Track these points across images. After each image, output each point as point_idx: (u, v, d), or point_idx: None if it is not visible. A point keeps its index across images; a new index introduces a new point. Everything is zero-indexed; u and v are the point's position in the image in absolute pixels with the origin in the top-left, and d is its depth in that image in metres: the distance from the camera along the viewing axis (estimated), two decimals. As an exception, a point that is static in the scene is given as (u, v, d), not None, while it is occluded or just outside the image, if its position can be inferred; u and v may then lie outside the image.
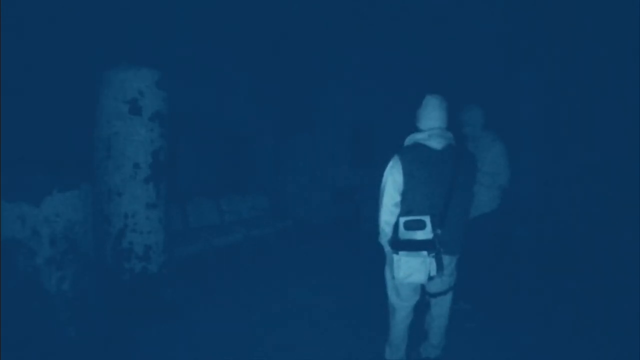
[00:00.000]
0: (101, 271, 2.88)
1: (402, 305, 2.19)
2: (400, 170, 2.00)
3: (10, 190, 2.36)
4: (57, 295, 2.46)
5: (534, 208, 4.81)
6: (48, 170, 2.84)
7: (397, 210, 2.04)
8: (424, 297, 2.28)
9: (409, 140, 2.11)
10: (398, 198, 2.03)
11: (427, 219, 1.95)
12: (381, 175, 2.11)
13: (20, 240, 2.36)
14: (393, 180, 2.02)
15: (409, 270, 1.96)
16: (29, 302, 2.38)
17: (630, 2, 3.69)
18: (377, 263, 2.41)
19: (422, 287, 2.22)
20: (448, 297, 2.25)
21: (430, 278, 1.98)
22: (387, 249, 2.13)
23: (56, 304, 2.45)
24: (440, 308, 2.25)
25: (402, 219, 1.99)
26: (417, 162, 2.00)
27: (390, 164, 2.06)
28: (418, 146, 2.04)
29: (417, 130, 2.12)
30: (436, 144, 2.02)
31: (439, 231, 1.96)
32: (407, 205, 2.01)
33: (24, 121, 3.46)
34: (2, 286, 2.29)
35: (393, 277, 2.06)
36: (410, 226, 1.96)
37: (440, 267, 1.96)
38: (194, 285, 3.77)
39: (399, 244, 1.99)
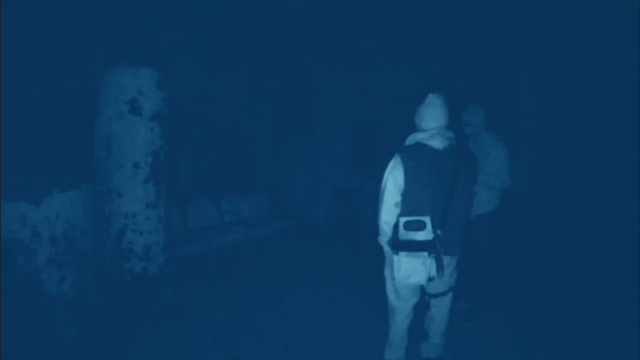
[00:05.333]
0: (101, 271, 2.88)
1: (401, 306, 2.18)
2: (401, 170, 1.98)
3: (10, 190, 2.35)
4: (57, 296, 2.45)
5: (534, 208, 4.82)
6: (48, 170, 2.83)
7: (397, 210, 2.03)
8: (424, 298, 2.27)
9: (410, 139, 2.09)
10: (398, 198, 2.01)
11: (427, 220, 1.93)
12: (381, 175, 2.10)
13: (20, 240, 2.35)
14: (394, 180, 2.00)
15: (409, 271, 1.95)
16: (29, 302, 2.37)
17: (630, 1, 3.69)
18: (376, 263, 2.40)
19: (422, 287, 2.21)
20: (448, 297, 2.24)
21: (430, 279, 1.97)
22: (387, 249, 2.12)
23: (56, 304, 2.45)
24: (440, 308, 2.24)
25: (402, 219, 1.97)
26: (419, 162, 1.98)
27: (391, 163, 2.04)
28: (419, 146, 2.02)
29: (418, 129, 2.11)
30: (438, 143, 2.00)
31: (439, 232, 1.94)
32: (407, 205, 1.99)
33: (24, 121, 3.45)
34: (2, 286, 2.29)
35: (393, 278, 2.05)
36: (410, 226, 1.95)
37: (440, 268, 1.95)
38: (194, 285, 3.77)
39: (398, 245, 1.97)
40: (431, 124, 2.04)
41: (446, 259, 2.05)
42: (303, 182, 7.20)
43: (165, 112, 3.15)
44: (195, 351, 2.62)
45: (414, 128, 2.15)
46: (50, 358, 2.39)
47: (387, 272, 2.21)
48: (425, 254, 1.93)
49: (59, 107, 3.69)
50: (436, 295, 2.22)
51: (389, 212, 2.04)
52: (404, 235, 1.96)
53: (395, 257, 1.98)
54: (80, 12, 3.81)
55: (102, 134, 2.98)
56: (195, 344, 2.71)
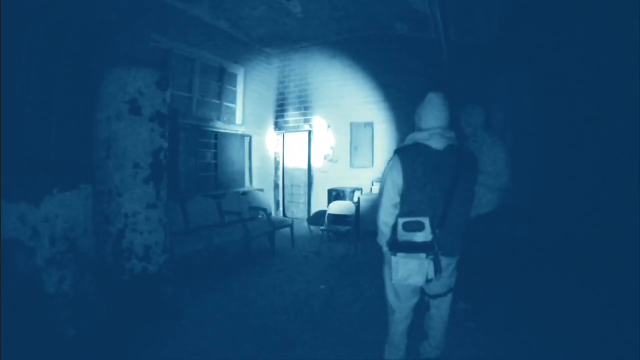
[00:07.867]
0: (101, 271, 2.88)
1: (400, 306, 2.18)
2: (400, 171, 1.96)
3: (10, 190, 2.35)
4: (57, 295, 2.46)
5: (534, 208, 4.81)
6: (48, 170, 2.83)
7: (396, 211, 2.02)
8: (424, 298, 2.27)
9: (409, 139, 2.07)
10: (397, 199, 2.00)
11: (426, 221, 1.92)
12: (381, 175, 2.09)
13: (20, 240, 2.35)
14: (392, 180, 1.99)
15: (407, 272, 1.94)
16: (29, 302, 2.38)
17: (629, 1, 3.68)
18: (376, 263, 2.40)
19: (422, 287, 2.20)
20: (448, 298, 2.23)
21: (428, 280, 1.96)
22: (386, 249, 2.11)
23: (56, 304, 2.45)
24: (440, 309, 2.24)
25: (401, 220, 1.96)
26: (417, 162, 1.96)
27: (390, 164, 2.03)
28: (418, 146, 2.00)
29: (417, 129, 2.09)
30: (437, 144, 1.98)
31: (438, 233, 1.93)
32: (406, 206, 1.98)
33: (24, 121, 3.45)
34: (2, 286, 2.29)
35: (391, 279, 2.05)
36: (409, 227, 1.93)
37: (438, 269, 1.94)
38: (195, 285, 3.77)
39: (397, 246, 1.96)
40: (431, 123, 2.02)
41: (446, 260, 2.04)
42: (303, 182, 7.20)
43: (165, 112, 3.15)
44: (194, 351, 2.62)
45: (413, 127, 2.14)
46: (50, 358, 2.39)
47: (386, 273, 2.20)
48: (423, 255, 1.92)
49: (59, 106, 3.69)
50: (436, 296, 2.21)
51: (387, 212, 2.03)
52: (403, 236, 1.95)
53: (393, 258, 1.97)
54: (80, 11, 3.80)
55: (102, 134, 2.98)
56: (195, 344, 2.71)
